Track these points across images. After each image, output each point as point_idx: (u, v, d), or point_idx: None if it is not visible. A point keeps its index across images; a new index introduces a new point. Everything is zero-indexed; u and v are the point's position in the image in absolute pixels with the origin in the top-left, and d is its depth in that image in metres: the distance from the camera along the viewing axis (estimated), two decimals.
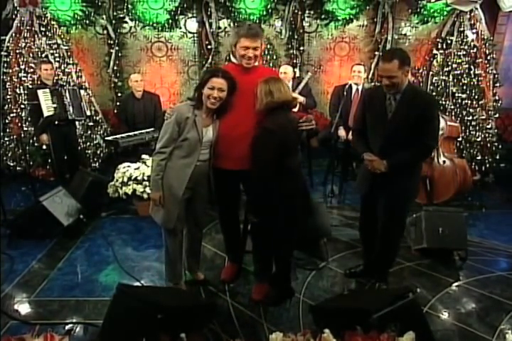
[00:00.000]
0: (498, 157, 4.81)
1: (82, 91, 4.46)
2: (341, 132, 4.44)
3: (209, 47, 5.25)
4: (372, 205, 2.62)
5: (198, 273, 2.86)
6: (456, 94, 4.64)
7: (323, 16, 5.31)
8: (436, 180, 4.04)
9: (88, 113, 4.55)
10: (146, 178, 3.67)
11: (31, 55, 4.65)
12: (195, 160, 2.37)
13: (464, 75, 4.60)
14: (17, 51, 4.65)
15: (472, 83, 4.62)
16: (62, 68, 4.77)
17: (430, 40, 4.95)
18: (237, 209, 2.80)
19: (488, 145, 4.76)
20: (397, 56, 2.27)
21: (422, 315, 2.08)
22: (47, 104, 4.15)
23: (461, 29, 4.62)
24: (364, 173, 2.61)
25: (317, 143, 4.80)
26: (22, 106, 4.68)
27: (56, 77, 4.49)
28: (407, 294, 1.98)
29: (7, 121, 4.84)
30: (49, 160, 4.64)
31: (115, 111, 5.28)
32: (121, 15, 5.15)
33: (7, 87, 4.74)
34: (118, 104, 5.17)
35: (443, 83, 4.67)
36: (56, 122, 4.24)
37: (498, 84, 4.84)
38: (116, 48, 5.23)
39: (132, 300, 1.95)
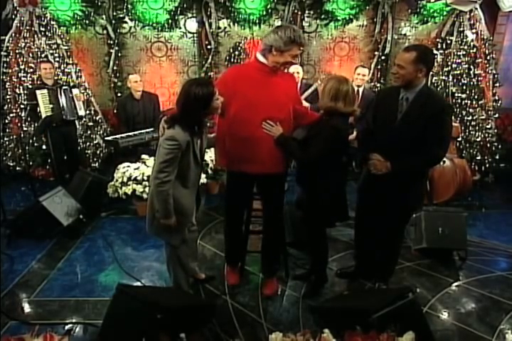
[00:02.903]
0: (497, 157, 4.81)
1: (76, 91, 4.43)
2: None
3: (209, 47, 5.25)
4: (370, 207, 2.59)
5: (198, 274, 2.86)
6: (456, 94, 4.64)
7: (322, 16, 5.30)
8: (436, 180, 4.03)
9: (82, 113, 4.51)
10: (145, 178, 3.67)
11: (31, 55, 4.64)
12: (197, 179, 2.32)
13: (464, 75, 4.61)
14: (17, 51, 4.64)
15: (472, 83, 4.62)
16: (62, 68, 4.77)
17: (430, 40, 4.95)
18: (244, 214, 2.75)
19: (488, 145, 4.76)
20: (419, 51, 2.17)
21: (421, 315, 2.08)
22: (45, 105, 4.15)
23: (461, 29, 4.63)
24: (367, 175, 2.55)
25: None
26: (22, 106, 4.68)
27: (56, 77, 4.49)
28: (407, 294, 1.98)
29: (7, 121, 4.84)
30: (49, 160, 4.64)
31: (115, 111, 5.27)
32: (121, 15, 5.13)
33: (7, 87, 4.73)
34: (116, 104, 5.16)
35: (443, 83, 4.67)
36: (54, 123, 4.24)
37: (497, 84, 4.85)
38: (116, 48, 5.22)
39: (132, 300, 1.95)
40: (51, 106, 4.19)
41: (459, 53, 4.61)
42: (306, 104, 4.29)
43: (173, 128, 2.07)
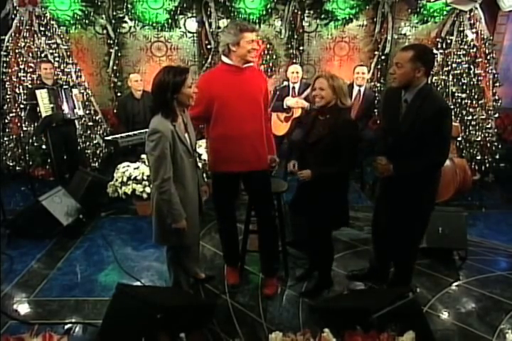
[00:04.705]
0: (497, 157, 4.80)
1: (75, 90, 4.44)
2: None
3: (209, 46, 5.26)
4: (386, 210, 2.55)
5: (198, 274, 2.86)
6: (456, 94, 4.63)
7: (322, 16, 5.31)
8: None
9: (81, 112, 4.51)
10: (145, 178, 3.67)
11: (31, 54, 4.64)
12: (194, 172, 2.27)
13: (464, 75, 4.60)
14: (16, 51, 4.64)
15: (472, 83, 4.61)
16: (62, 68, 4.77)
17: (430, 40, 4.94)
18: (235, 211, 2.79)
19: (488, 144, 4.74)
20: (417, 50, 2.15)
21: (421, 314, 2.08)
22: (44, 104, 4.15)
23: (461, 29, 4.61)
24: (380, 179, 2.51)
25: None
26: (21, 106, 4.67)
27: (56, 77, 4.49)
28: (407, 294, 1.98)
29: (6, 120, 4.84)
30: (48, 160, 4.63)
31: (115, 110, 5.28)
32: (121, 15, 5.14)
33: (6, 86, 4.73)
34: (117, 104, 5.17)
35: (443, 83, 4.66)
36: (54, 123, 4.24)
37: (497, 84, 4.83)
38: (116, 48, 5.23)
39: (132, 299, 1.95)
40: (51, 105, 4.19)
41: (459, 53, 4.60)
42: (305, 103, 4.30)
43: (155, 117, 2.07)
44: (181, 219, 2.14)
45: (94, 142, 5.11)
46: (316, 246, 2.68)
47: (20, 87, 4.67)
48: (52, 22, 4.74)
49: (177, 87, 2.02)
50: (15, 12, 4.64)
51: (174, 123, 2.09)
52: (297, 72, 4.52)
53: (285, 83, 4.68)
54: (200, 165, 3.88)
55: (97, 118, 5.16)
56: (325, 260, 2.71)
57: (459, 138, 4.50)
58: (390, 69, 2.31)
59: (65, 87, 4.34)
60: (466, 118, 4.64)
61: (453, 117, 4.50)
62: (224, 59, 2.39)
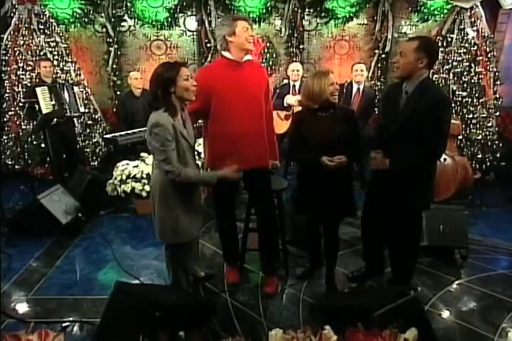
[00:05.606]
0: (498, 155, 4.79)
1: (76, 88, 4.45)
2: None
3: (208, 45, 5.25)
4: (378, 206, 2.53)
5: (198, 272, 2.84)
6: (457, 92, 4.62)
7: (323, 14, 5.30)
8: (437, 177, 3.96)
9: (82, 109, 4.51)
10: (144, 176, 3.66)
11: (30, 52, 4.64)
12: (194, 167, 2.26)
13: (465, 73, 4.58)
14: (15, 49, 4.64)
15: (473, 81, 4.60)
16: (61, 66, 4.76)
17: None
18: (234, 209, 2.77)
19: (489, 143, 4.73)
20: (421, 41, 2.15)
21: (423, 312, 2.06)
22: (46, 102, 4.14)
23: (462, 27, 4.60)
24: (374, 171, 2.51)
25: None
26: (20, 104, 4.65)
27: (55, 75, 4.48)
28: (408, 292, 1.96)
29: (5, 119, 4.83)
30: (48, 159, 4.63)
31: (114, 109, 5.26)
32: (121, 14, 5.14)
33: (5, 84, 4.72)
34: (116, 102, 5.15)
35: (443, 81, 4.65)
36: (55, 120, 4.22)
37: (498, 82, 4.82)
38: (116, 46, 5.23)
39: (131, 298, 1.93)
40: (52, 103, 4.17)
41: (459, 51, 4.59)
42: None
43: (153, 112, 2.06)
44: (215, 177, 2.20)
45: (94, 140, 5.11)
46: (327, 242, 2.66)
47: (19, 85, 4.66)
48: (51, 20, 4.75)
49: (171, 80, 2.01)
50: (14, 10, 4.64)
51: (174, 118, 2.06)
52: (298, 70, 4.51)
53: (285, 81, 4.67)
54: (199, 163, 3.90)
55: (96, 116, 5.15)
56: (335, 256, 2.69)
57: (460, 137, 4.49)
58: (393, 58, 2.29)
59: (66, 84, 4.33)
60: (466, 116, 4.63)
61: (454, 115, 4.51)
62: (225, 54, 2.35)
